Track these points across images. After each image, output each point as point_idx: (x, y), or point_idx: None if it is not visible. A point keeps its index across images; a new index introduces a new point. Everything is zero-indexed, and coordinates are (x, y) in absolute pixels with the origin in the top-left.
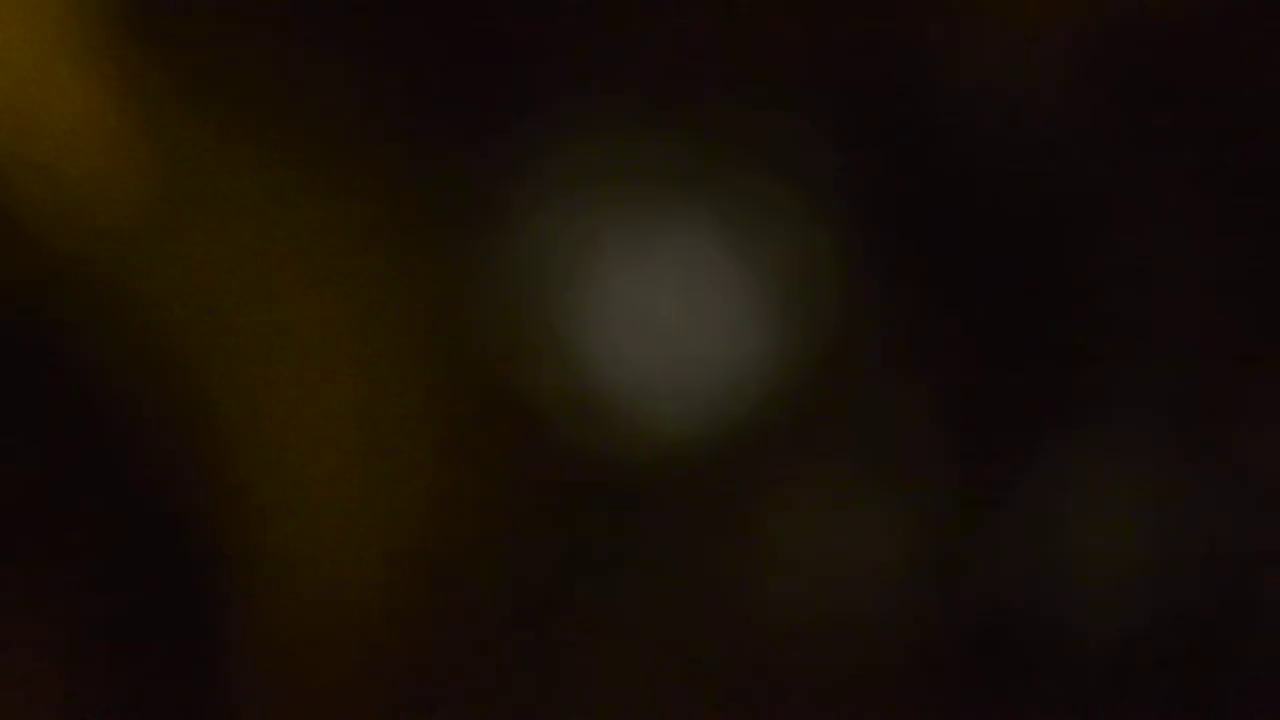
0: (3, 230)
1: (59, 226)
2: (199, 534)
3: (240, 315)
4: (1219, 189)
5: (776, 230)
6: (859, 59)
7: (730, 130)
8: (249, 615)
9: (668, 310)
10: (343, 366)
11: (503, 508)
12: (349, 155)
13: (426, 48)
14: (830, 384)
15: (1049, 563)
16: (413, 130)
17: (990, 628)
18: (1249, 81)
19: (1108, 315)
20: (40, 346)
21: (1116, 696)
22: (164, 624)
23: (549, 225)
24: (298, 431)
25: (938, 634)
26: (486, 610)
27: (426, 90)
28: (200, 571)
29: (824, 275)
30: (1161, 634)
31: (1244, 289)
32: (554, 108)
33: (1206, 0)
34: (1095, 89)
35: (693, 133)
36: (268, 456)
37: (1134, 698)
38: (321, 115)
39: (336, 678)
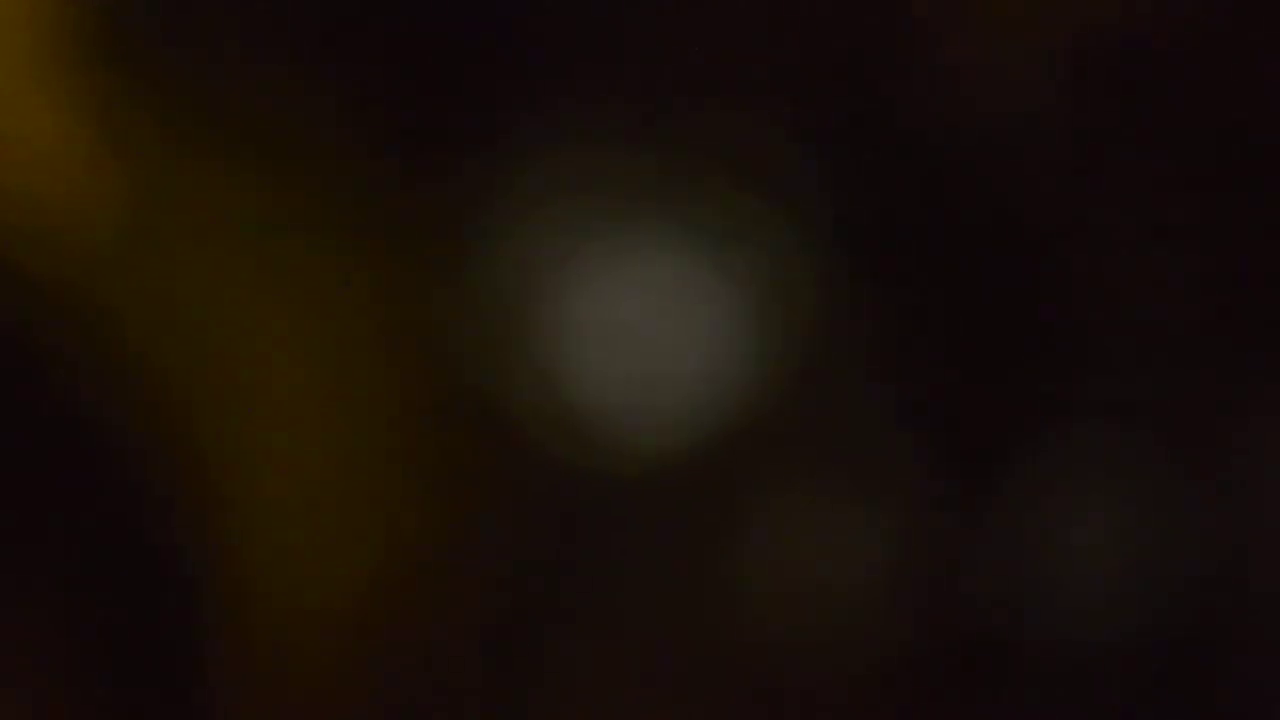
0: None
1: (34, 249)
2: (179, 550)
3: (217, 332)
4: (1202, 197)
5: (757, 240)
6: (839, 71)
7: (711, 142)
8: (231, 630)
9: (648, 320)
10: (321, 380)
11: (483, 520)
12: (325, 171)
13: (403, 62)
14: (812, 393)
15: (1034, 570)
16: (390, 145)
17: (976, 634)
18: (1232, 90)
19: (1090, 322)
20: (18, 367)
21: (1100, 703)
22: (144, 641)
23: (528, 238)
24: (276, 445)
25: (924, 641)
26: (469, 623)
27: (404, 105)
28: (180, 587)
29: (804, 285)
30: (1147, 642)
31: (1229, 295)
32: (533, 119)
33: (1190, 7)
34: (1077, 98)
35: (672, 144)
36: (247, 471)
37: (1118, 704)
38: (297, 131)
39: (320, 691)
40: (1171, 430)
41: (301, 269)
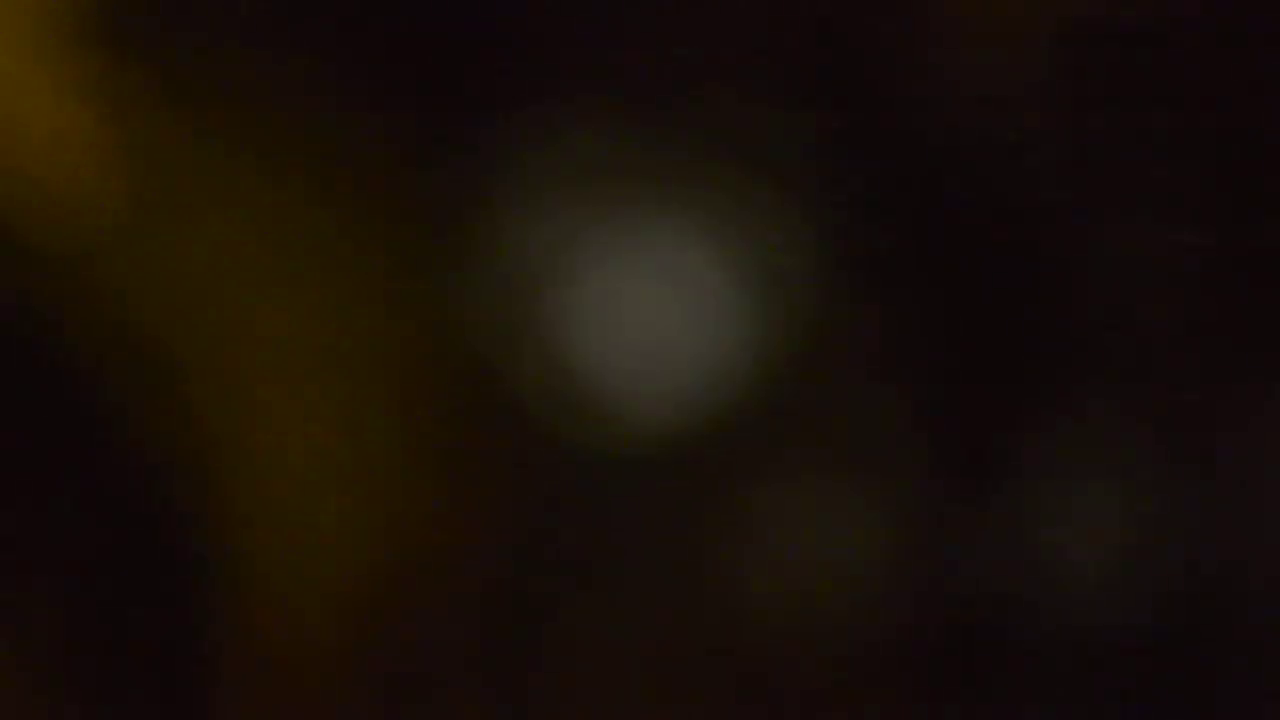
0: None
1: (39, 230)
2: (181, 536)
3: (222, 315)
4: (1203, 195)
5: (757, 229)
6: (841, 68)
7: (713, 137)
8: (232, 619)
9: (649, 311)
10: (325, 365)
11: (487, 505)
12: (328, 154)
13: (405, 46)
14: (812, 385)
15: (1026, 560)
16: (393, 129)
17: (973, 627)
18: (1234, 90)
19: (1084, 314)
20: (21, 350)
21: (1088, 689)
22: (146, 631)
23: (530, 222)
24: (280, 430)
25: (919, 629)
26: (473, 608)
27: (405, 89)
28: (182, 574)
29: (804, 273)
30: (1141, 637)
31: (1220, 291)
32: (535, 105)
33: (1192, 5)
34: (1078, 98)
35: (674, 139)
36: (250, 456)
37: (1103, 691)
38: (299, 115)
39: (322, 681)
40: (1170, 428)
41: (308, 250)
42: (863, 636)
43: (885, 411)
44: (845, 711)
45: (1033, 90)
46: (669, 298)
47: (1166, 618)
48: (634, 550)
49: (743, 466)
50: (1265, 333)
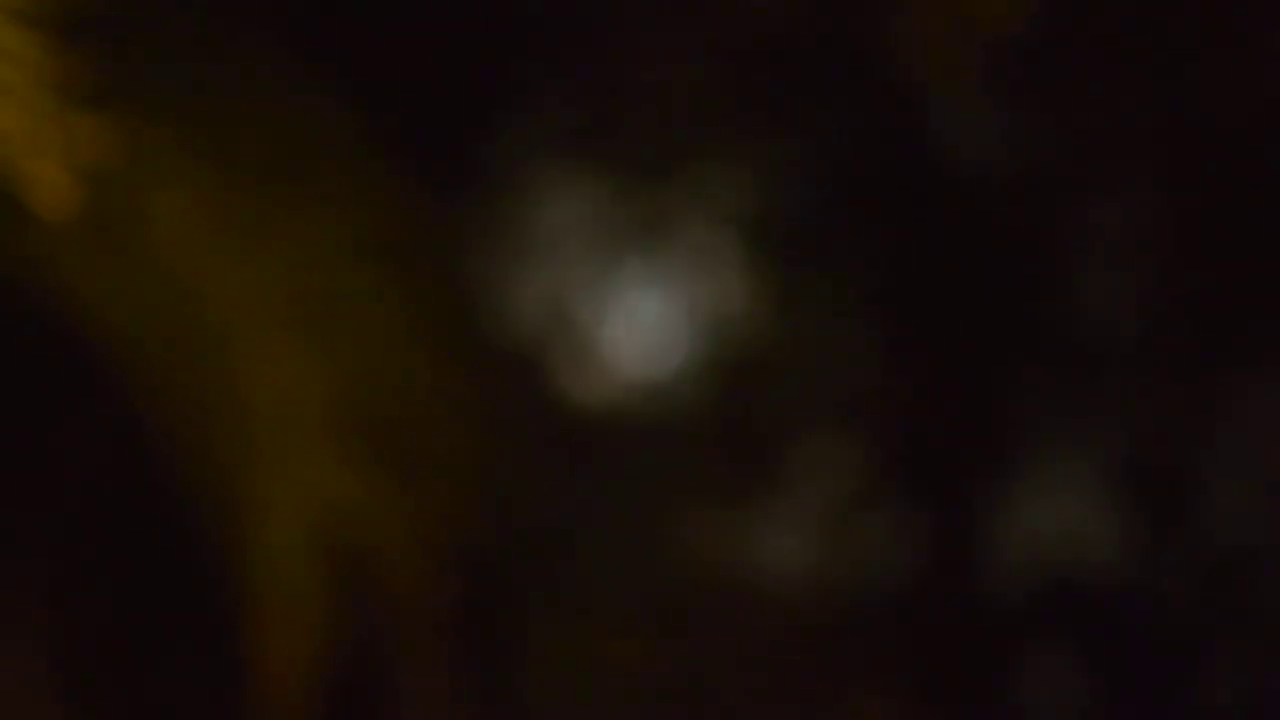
0: None
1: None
2: (182, 530)
3: (212, 320)
4: (1183, 197)
5: (750, 225)
6: (831, 86)
7: (708, 128)
8: (231, 610)
9: (650, 299)
10: (315, 355)
11: (485, 488)
12: (309, 151)
13: (387, 49)
14: (810, 368)
15: (1014, 545)
16: (378, 122)
17: (960, 607)
18: (1229, 93)
19: (1071, 303)
20: (23, 349)
21: (1086, 673)
22: (149, 623)
23: (524, 201)
24: (277, 418)
25: (915, 610)
26: (470, 588)
27: (402, 97)
28: (184, 560)
29: (799, 264)
30: (1120, 609)
31: (1204, 278)
32: (528, 107)
33: (1185, 10)
34: (1067, 103)
35: (672, 149)
36: (250, 448)
37: (1101, 672)
38: (284, 113)
39: (324, 668)
40: (1154, 413)
41: (290, 241)
42: (862, 615)
43: (880, 402)
44: (840, 694)
45: (1015, 85)
46: (667, 288)
47: (1162, 598)
48: (631, 523)
49: (744, 448)
50: (1250, 320)
